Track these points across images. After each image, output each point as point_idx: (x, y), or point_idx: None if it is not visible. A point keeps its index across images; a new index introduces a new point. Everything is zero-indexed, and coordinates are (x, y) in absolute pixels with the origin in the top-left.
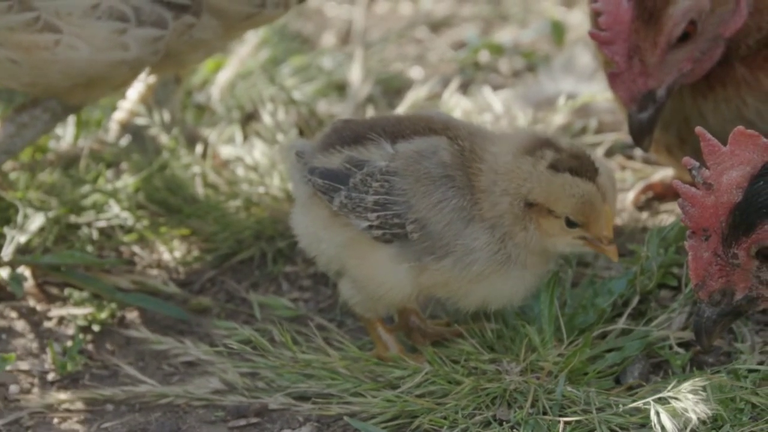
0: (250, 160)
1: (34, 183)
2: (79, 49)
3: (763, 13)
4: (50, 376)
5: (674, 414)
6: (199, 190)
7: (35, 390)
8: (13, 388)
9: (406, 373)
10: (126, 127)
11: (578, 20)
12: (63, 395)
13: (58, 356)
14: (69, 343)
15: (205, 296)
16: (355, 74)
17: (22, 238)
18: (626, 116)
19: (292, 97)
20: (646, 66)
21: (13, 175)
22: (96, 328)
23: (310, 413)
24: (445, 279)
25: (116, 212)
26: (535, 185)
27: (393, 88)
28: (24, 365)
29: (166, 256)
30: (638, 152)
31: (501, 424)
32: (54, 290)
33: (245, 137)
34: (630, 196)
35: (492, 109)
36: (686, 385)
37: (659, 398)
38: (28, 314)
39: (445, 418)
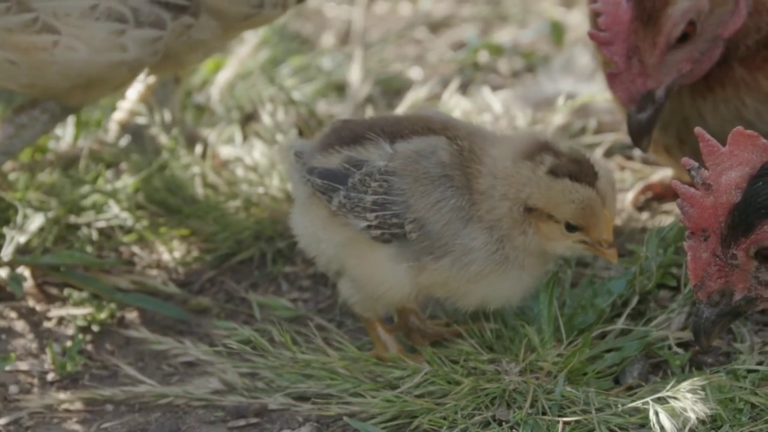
0: (250, 161)
1: (34, 183)
2: (78, 50)
3: (762, 13)
4: (50, 377)
5: (673, 414)
6: (199, 190)
7: (35, 390)
8: (13, 389)
9: (405, 374)
10: (125, 128)
11: (577, 21)
12: (63, 395)
13: (58, 356)
14: (68, 344)
15: (204, 296)
16: (354, 74)
17: (22, 239)
18: (625, 117)
19: (292, 98)
20: (645, 66)
21: (12, 176)
22: (95, 328)
23: (309, 413)
24: (444, 279)
25: (116, 212)
26: (534, 191)
27: (392, 88)
28: (24, 365)
29: (165, 257)
30: (637, 152)
31: (500, 425)
32: (53, 290)
33: (245, 137)
34: (629, 197)
35: (491, 109)
36: (685, 385)
37: (658, 398)
38: (28, 314)
39: (444, 419)
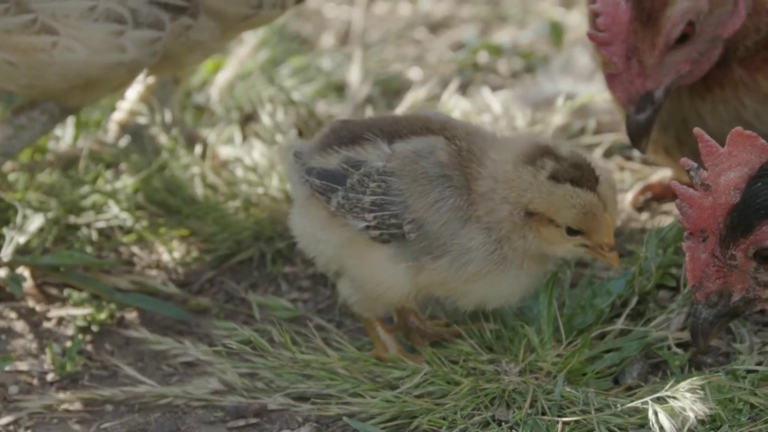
0: (249, 161)
1: (34, 184)
2: (77, 51)
3: (761, 14)
4: (50, 377)
5: (672, 414)
6: (198, 190)
7: (35, 390)
8: (13, 389)
9: (405, 374)
10: (125, 128)
11: (577, 21)
12: (62, 396)
13: (58, 357)
14: (68, 344)
15: (204, 297)
16: (354, 75)
17: (22, 239)
18: (624, 117)
19: (291, 98)
20: (644, 67)
21: (12, 176)
22: (95, 328)
23: (309, 414)
24: (442, 278)
25: (115, 213)
26: (535, 195)
27: (392, 88)
28: (23, 366)
29: (165, 257)
30: (636, 153)
31: (500, 425)
32: (53, 291)
33: (244, 138)
34: (629, 197)
35: (491, 109)
36: (684, 385)
37: (657, 398)
38: (28, 315)
39: (443, 419)
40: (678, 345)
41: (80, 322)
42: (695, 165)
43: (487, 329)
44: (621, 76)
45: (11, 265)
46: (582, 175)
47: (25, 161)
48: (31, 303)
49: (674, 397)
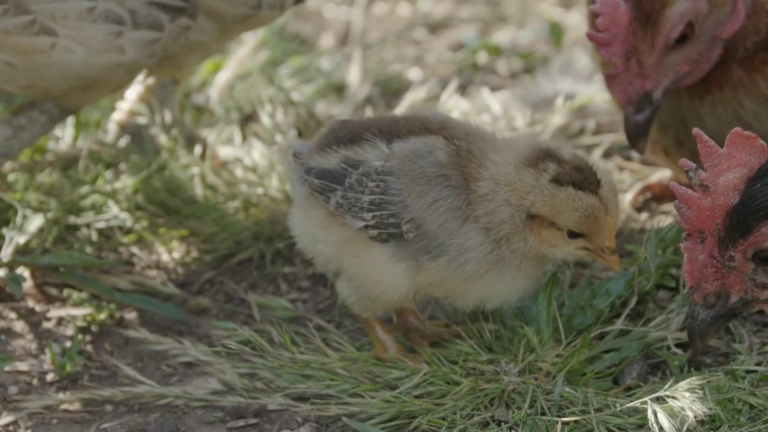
0: (249, 161)
1: (33, 184)
2: (76, 52)
3: (760, 15)
4: (49, 377)
5: (672, 413)
6: (198, 191)
7: (34, 391)
8: (13, 389)
9: (404, 374)
10: (125, 128)
11: (576, 22)
12: (62, 396)
13: (57, 357)
14: (68, 344)
15: (203, 297)
16: (353, 75)
17: (21, 239)
18: (623, 117)
19: (291, 99)
20: (643, 68)
21: (12, 177)
22: (95, 328)
23: (308, 414)
24: (441, 278)
25: (115, 213)
26: (537, 198)
27: (391, 89)
28: (23, 366)
29: (164, 257)
30: (636, 153)
31: (499, 425)
32: (53, 291)
33: (244, 138)
34: (628, 197)
35: (490, 110)
36: (683, 385)
37: (657, 398)
38: (27, 315)
39: (443, 419)
40: (677, 345)
41: (80, 323)
42: (694, 166)
43: (487, 329)
44: (620, 77)
45: (11, 265)
46: (584, 178)
47: (24, 161)
48: (30, 303)
49: (673, 397)
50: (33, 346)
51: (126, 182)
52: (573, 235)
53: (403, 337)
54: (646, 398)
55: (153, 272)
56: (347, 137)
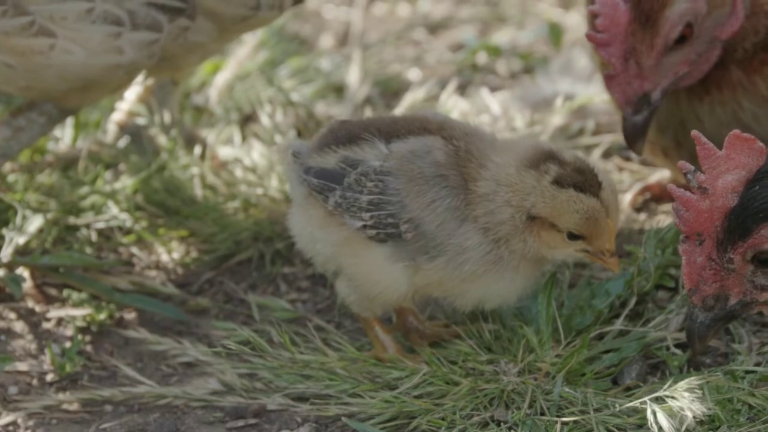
0: (249, 162)
1: (33, 184)
2: (74, 53)
3: (759, 16)
4: (49, 377)
5: (671, 413)
6: (198, 191)
7: (34, 391)
8: (12, 389)
9: (404, 374)
10: (124, 129)
11: (575, 22)
12: (62, 396)
13: (57, 357)
14: (68, 344)
15: (203, 297)
16: (353, 76)
17: (21, 240)
18: (621, 118)
19: (291, 99)
20: (642, 68)
21: (11, 177)
22: (95, 329)
23: (308, 414)
24: (439, 278)
25: (115, 213)
26: (538, 200)
27: (391, 89)
28: (23, 366)
29: (164, 257)
30: (635, 153)
31: (499, 425)
32: (53, 291)
33: (243, 138)
34: (627, 198)
35: (489, 110)
36: (683, 384)
37: (656, 398)
38: (27, 315)
39: (443, 419)
40: (676, 345)
41: (79, 323)
42: (692, 168)
43: (486, 330)
44: (618, 77)
45: (11, 265)
46: (585, 181)
47: (24, 162)
48: (30, 303)
49: (673, 397)
50: (33, 347)
51: (125, 183)
52: (573, 236)
53: (403, 338)
54: (646, 398)
55: (152, 272)
56: (346, 137)
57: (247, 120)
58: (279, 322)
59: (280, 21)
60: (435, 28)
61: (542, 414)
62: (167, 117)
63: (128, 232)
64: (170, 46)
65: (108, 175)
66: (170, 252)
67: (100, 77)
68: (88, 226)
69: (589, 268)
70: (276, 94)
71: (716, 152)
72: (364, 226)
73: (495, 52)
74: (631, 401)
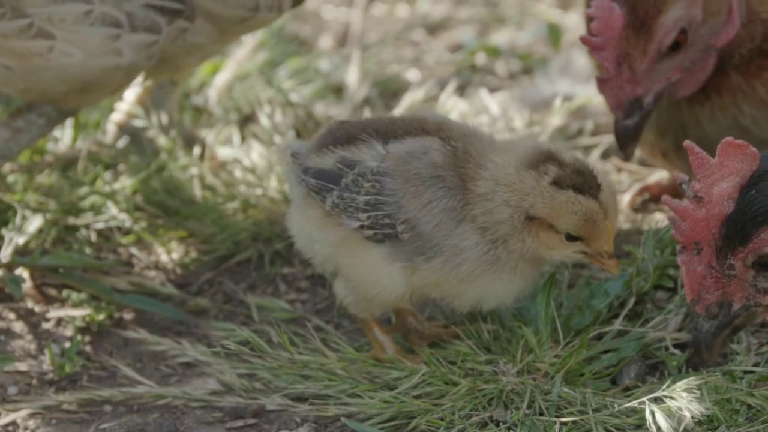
0: (248, 162)
1: (32, 185)
2: (73, 55)
3: (755, 24)
4: (48, 377)
5: (669, 414)
6: (197, 191)
7: (34, 391)
8: (12, 390)
9: (403, 374)
10: (124, 129)
11: (574, 23)
12: (61, 396)
13: (57, 357)
14: (67, 345)
15: (202, 297)
16: (352, 76)
17: (21, 240)
18: (613, 121)
19: (290, 99)
20: (635, 73)
21: (11, 177)
22: (94, 329)
23: (307, 414)
24: (436, 279)
25: (114, 214)
26: (537, 200)
27: (390, 90)
28: (22, 366)
29: (163, 258)
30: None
31: (498, 425)
32: (52, 292)
33: (243, 139)
34: (626, 198)
35: (488, 111)
36: (681, 385)
37: (654, 398)
38: (27, 316)
39: (442, 419)
40: (675, 345)
41: (79, 323)
42: (687, 178)
43: (485, 330)
44: (611, 81)
45: (10, 266)
46: (584, 182)
47: (24, 162)
48: (30, 304)
49: (671, 398)
50: (32, 347)
51: (125, 183)
52: (571, 238)
53: (402, 338)
54: (644, 398)
55: (152, 273)
56: (344, 138)
57: (246, 120)
58: (278, 323)
59: (279, 22)
60: (434, 28)
61: (541, 414)
62: (164, 118)
63: (128, 232)
64: (169, 47)
65: (107, 175)
66: (169, 252)
67: (99, 79)
68: (87, 226)
69: (588, 268)
70: (275, 95)
71: (709, 160)
72: (361, 227)
73: (494, 52)
74: (629, 401)
